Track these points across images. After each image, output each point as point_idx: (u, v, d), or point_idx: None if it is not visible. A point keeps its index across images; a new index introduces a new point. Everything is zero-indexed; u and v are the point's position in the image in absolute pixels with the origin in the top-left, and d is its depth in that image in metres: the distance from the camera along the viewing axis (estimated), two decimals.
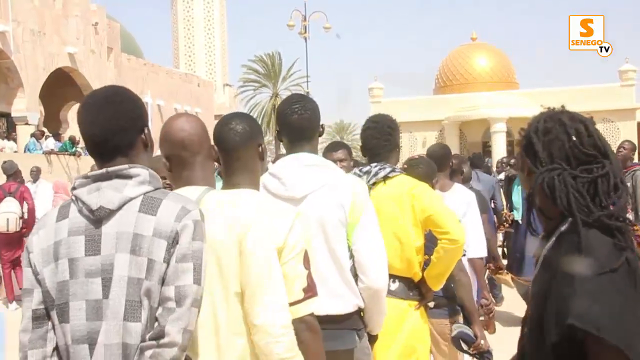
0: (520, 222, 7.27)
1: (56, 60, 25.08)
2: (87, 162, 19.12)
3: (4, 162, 10.36)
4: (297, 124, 2.55)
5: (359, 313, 2.53)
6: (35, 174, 11.30)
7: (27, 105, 23.17)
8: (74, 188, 1.80)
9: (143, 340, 1.70)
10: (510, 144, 32.10)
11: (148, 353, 1.67)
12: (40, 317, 1.79)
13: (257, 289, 1.88)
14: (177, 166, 2.08)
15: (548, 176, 1.65)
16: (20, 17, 22.88)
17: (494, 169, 12.51)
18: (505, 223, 7.81)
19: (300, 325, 1.95)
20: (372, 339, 2.68)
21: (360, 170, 3.21)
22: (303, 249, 2.00)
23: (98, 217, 1.74)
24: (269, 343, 1.86)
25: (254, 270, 1.90)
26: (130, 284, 1.70)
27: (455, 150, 29.56)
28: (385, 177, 3.14)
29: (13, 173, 9.85)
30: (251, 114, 32.55)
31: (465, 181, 5.66)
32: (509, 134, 32.79)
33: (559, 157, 1.66)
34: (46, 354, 1.79)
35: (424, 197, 3.08)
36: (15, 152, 20.19)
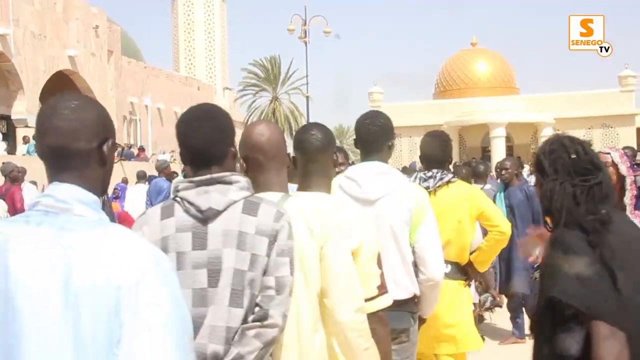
0: None
1: (56, 63, 25.12)
2: None
3: (2, 164, 10.36)
4: (366, 137, 3.05)
5: (414, 299, 3.02)
6: (21, 175, 11.19)
7: (27, 108, 23.19)
8: (177, 190, 2.06)
9: (244, 323, 1.94)
10: (509, 149, 32.12)
11: (251, 332, 1.92)
12: None
13: (343, 291, 2.14)
14: (253, 169, 2.28)
15: (552, 185, 2.09)
16: (21, 20, 22.93)
17: (493, 173, 12.41)
18: None
19: (374, 318, 2.25)
20: (421, 321, 3.21)
21: (424, 174, 3.82)
22: (377, 252, 2.28)
23: (206, 217, 1.99)
24: (356, 337, 2.14)
25: (339, 274, 2.14)
26: (236, 275, 1.95)
27: (454, 155, 29.55)
28: (448, 182, 3.75)
29: (8, 174, 9.77)
30: (251, 118, 32.62)
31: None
32: (508, 139, 32.83)
33: (562, 172, 2.09)
34: None
35: (478, 199, 3.83)
36: (5, 150, 19.99)
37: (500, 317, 6.92)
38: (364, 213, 2.41)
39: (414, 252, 2.98)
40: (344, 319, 2.12)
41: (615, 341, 1.86)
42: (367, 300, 2.23)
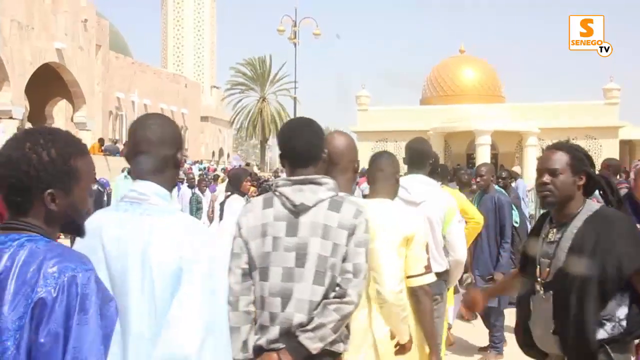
0: None
1: (43, 55, 24.90)
2: None
3: None
4: (410, 155, 4.21)
5: (446, 272, 4.11)
6: None
7: (12, 99, 22.97)
8: (277, 186, 2.53)
9: (324, 299, 2.38)
10: (494, 157, 32.29)
11: (332, 307, 2.37)
12: (246, 274, 2.52)
13: (388, 278, 2.91)
14: (326, 171, 2.76)
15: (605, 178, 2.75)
16: (8, 10, 22.70)
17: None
18: None
19: (421, 291, 3.02)
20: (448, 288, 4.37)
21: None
22: (425, 241, 3.08)
23: (298, 210, 2.45)
24: (398, 310, 2.89)
25: (383, 265, 2.92)
26: (320, 259, 2.41)
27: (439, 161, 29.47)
28: None
29: None
30: (238, 117, 32.14)
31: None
32: (493, 146, 33.00)
33: (590, 166, 2.73)
34: (250, 301, 2.51)
35: (459, 199, 4.95)
36: None
37: (477, 334, 6.97)
38: (415, 212, 3.39)
39: (445, 240, 4.06)
40: (389, 299, 2.85)
41: None
42: (415, 276, 2.99)
